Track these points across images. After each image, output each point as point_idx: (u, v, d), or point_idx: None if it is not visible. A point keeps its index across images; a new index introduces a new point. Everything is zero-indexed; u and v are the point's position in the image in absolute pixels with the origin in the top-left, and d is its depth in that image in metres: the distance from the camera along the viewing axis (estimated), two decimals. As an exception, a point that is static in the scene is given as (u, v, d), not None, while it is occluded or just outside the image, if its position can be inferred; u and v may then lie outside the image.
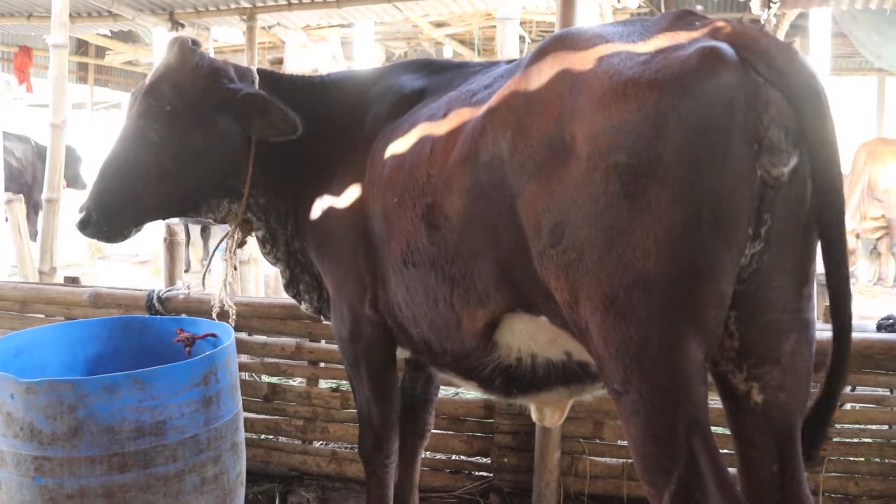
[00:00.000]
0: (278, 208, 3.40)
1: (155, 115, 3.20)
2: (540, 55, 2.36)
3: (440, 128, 2.69)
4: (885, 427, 3.89)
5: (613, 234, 2.05)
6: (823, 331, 3.73)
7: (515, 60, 2.83)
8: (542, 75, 2.31)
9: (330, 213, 3.15)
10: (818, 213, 2.08)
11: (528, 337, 2.63)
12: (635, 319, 2.06)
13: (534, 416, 3.13)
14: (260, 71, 3.43)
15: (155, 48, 11.59)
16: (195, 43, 3.31)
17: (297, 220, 3.38)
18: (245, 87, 3.24)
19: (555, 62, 2.29)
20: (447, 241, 2.59)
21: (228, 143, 3.26)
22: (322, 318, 3.63)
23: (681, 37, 2.12)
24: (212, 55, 3.69)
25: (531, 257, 2.32)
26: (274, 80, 3.43)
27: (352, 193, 3.07)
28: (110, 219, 3.30)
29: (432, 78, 3.17)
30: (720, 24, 2.14)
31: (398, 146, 2.87)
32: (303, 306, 3.57)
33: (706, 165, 1.99)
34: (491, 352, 2.71)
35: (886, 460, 3.82)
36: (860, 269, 12.64)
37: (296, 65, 12.38)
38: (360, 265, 3.05)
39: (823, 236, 2.10)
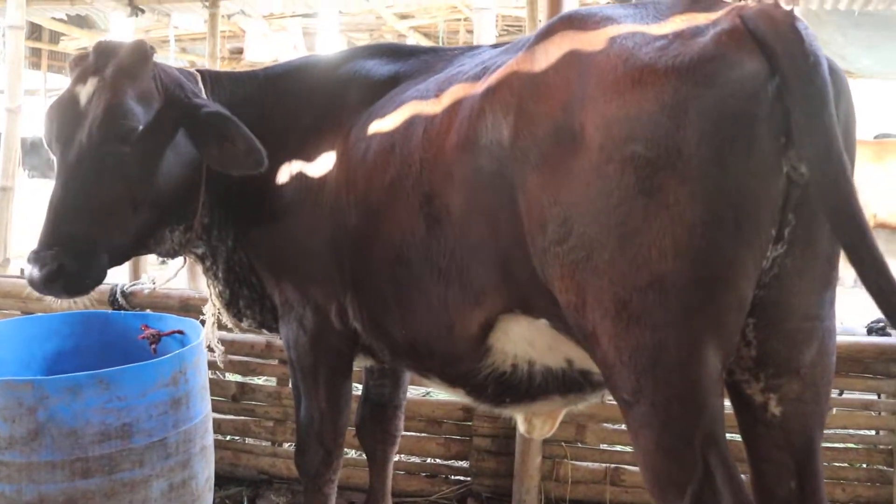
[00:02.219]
0: (219, 224, 3.12)
1: (124, 137, 2.75)
2: (546, 34, 2.23)
3: (433, 109, 2.53)
4: (873, 432, 3.83)
5: (627, 232, 1.95)
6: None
7: (504, 45, 2.70)
8: (548, 56, 2.18)
9: (288, 212, 2.93)
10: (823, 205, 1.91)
11: (525, 342, 2.49)
12: (650, 325, 1.96)
13: (521, 428, 3.00)
14: (201, 72, 3.15)
15: (112, 34, 11.29)
16: (143, 43, 2.92)
17: (238, 232, 3.12)
18: (208, 103, 2.91)
19: (563, 42, 2.16)
20: (446, 235, 2.44)
21: (192, 164, 2.94)
22: (265, 331, 3.36)
23: (699, 19, 2.01)
24: (173, 48, 3.47)
25: (531, 254, 2.19)
26: (214, 80, 3.16)
27: (318, 188, 2.85)
28: (87, 266, 2.76)
29: (405, 62, 2.99)
30: (742, 4, 2.03)
31: (382, 132, 2.68)
32: (244, 323, 3.32)
33: (730, 160, 1.88)
34: (484, 357, 2.56)
35: (874, 466, 3.78)
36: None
37: (256, 55, 12.23)
38: (329, 268, 2.86)
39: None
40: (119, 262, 2.99)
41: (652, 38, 1.99)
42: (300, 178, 2.92)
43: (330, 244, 2.84)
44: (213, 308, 3.48)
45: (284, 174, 2.96)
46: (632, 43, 2.00)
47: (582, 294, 2.06)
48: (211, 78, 3.16)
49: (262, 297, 3.22)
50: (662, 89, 1.91)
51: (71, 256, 2.70)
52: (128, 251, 2.98)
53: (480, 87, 2.39)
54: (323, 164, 2.87)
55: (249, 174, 2.84)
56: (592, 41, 2.08)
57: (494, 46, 2.78)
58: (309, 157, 2.91)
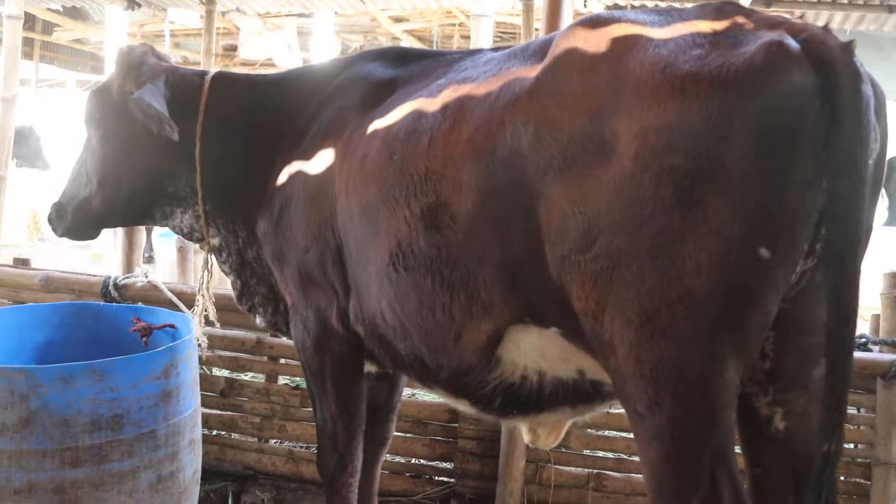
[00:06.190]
0: (225, 215, 3.25)
1: (90, 121, 3.29)
2: (569, 39, 2.14)
3: (438, 118, 2.43)
4: (851, 446, 3.86)
5: (660, 244, 1.90)
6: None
7: (504, 48, 2.63)
8: (572, 63, 2.10)
9: (290, 214, 2.94)
10: (828, 239, 1.91)
11: (536, 353, 2.41)
12: (675, 338, 1.92)
13: (525, 438, 2.94)
14: (216, 75, 3.32)
15: (107, 26, 11.27)
16: (133, 49, 3.32)
17: (250, 227, 3.20)
18: (143, 91, 3.10)
19: (587, 48, 2.08)
20: (449, 244, 2.36)
21: (147, 149, 3.21)
22: (277, 332, 3.50)
23: (734, 29, 1.95)
24: (168, 44, 3.75)
25: (546, 262, 2.13)
26: (227, 84, 3.30)
27: (317, 192, 2.84)
28: (64, 219, 3.46)
29: (406, 67, 2.92)
30: (784, 18, 1.97)
31: (381, 140, 2.61)
32: (257, 320, 3.41)
33: (771, 174, 1.84)
34: (493, 369, 2.49)
35: (852, 479, 3.80)
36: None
37: (250, 53, 12.20)
38: (328, 271, 2.84)
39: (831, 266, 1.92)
40: (110, 225, 3.62)
41: (689, 47, 1.92)
42: (302, 180, 2.90)
43: (331, 248, 2.81)
44: (202, 301, 3.55)
45: (286, 175, 2.98)
46: (666, 51, 1.94)
47: (602, 303, 2.00)
48: (223, 82, 3.30)
49: (276, 298, 3.25)
50: (706, 99, 1.84)
51: (55, 209, 3.47)
52: (112, 217, 3.48)
53: (496, 95, 2.30)
54: (323, 168, 2.84)
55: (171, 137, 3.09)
56: (620, 47, 2.01)
57: (494, 49, 2.70)
58: (311, 161, 2.89)
